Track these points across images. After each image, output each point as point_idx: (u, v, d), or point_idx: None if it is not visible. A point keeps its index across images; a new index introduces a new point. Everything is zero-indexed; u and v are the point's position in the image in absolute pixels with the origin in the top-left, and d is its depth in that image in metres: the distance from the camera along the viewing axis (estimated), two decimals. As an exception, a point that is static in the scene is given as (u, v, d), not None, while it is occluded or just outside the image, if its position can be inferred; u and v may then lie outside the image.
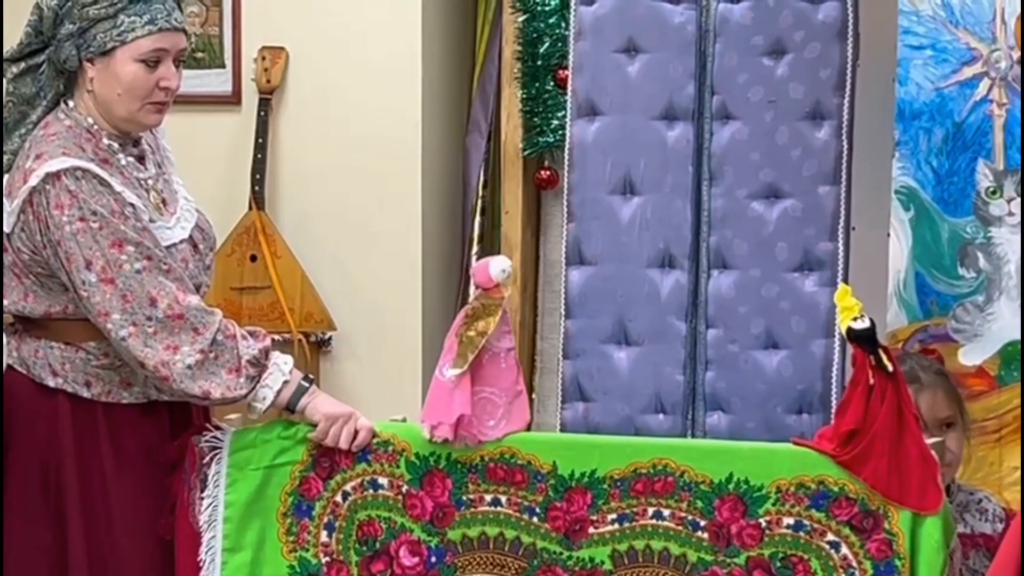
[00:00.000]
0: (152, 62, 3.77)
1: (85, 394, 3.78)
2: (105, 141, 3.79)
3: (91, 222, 3.66)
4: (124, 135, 3.85)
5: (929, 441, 3.63)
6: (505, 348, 3.65)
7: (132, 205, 3.72)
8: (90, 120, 3.79)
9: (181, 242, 3.84)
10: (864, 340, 3.48)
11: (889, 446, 3.46)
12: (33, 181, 3.69)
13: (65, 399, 3.79)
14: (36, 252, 3.73)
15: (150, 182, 3.87)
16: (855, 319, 3.48)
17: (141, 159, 3.89)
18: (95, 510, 3.82)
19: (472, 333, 3.63)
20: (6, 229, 3.76)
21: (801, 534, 3.49)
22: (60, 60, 3.78)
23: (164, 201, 3.88)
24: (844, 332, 3.51)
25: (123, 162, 3.81)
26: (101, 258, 3.65)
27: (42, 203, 3.67)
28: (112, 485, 3.83)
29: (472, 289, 3.69)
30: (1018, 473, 4.80)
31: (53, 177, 3.67)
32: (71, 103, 3.82)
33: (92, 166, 3.70)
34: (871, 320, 3.48)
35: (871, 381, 3.46)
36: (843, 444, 3.51)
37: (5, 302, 3.83)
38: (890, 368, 3.46)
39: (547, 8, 5.30)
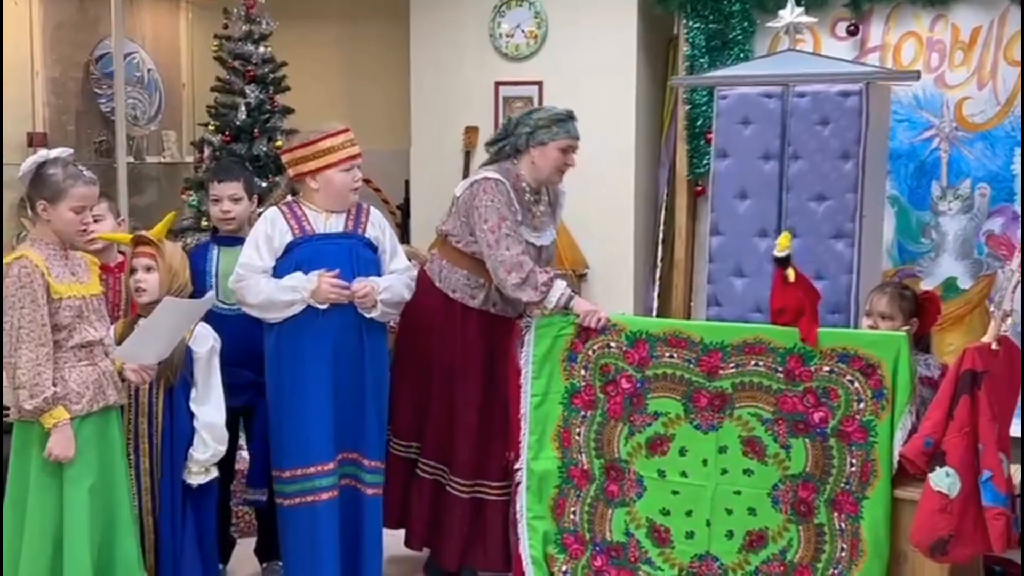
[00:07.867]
0: (564, 151, 3.84)
1: (472, 304, 3.88)
2: (523, 184, 3.85)
3: (497, 205, 3.74)
4: (536, 185, 3.90)
5: (885, 325, 3.60)
6: None
7: (517, 216, 3.78)
8: (522, 171, 3.86)
9: (531, 245, 3.85)
10: (778, 261, 3.43)
11: (797, 309, 3.43)
12: (480, 176, 3.82)
13: (459, 306, 3.89)
14: (468, 215, 3.80)
15: (537, 215, 3.91)
16: (779, 250, 3.43)
17: (537, 202, 3.91)
18: (467, 356, 3.90)
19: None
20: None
21: (833, 375, 3.41)
22: (514, 145, 3.85)
23: (536, 227, 3.90)
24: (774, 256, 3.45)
25: (527, 198, 3.87)
26: (493, 220, 3.73)
27: (483, 186, 3.77)
28: (476, 343, 3.91)
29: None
30: (952, 347, 4.70)
31: (493, 180, 3.78)
32: (516, 162, 3.87)
33: (510, 188, 3.78)
34: (789, 252, 3.41)
35: (784, 283, 3.43)
36: (777, 318, 3.46)
37: (454, 240, 3.86)
38: (791, 279, 3.40)
39: (701, 102, 5.25)
